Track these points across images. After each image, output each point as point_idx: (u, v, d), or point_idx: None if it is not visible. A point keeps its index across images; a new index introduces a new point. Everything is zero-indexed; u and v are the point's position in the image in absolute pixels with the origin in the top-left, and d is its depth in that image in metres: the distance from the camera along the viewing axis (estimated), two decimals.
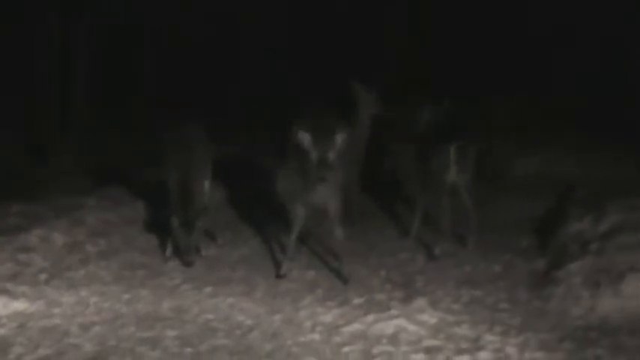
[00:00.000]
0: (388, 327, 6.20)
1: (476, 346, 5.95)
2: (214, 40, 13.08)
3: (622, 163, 10.20)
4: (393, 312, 6.46)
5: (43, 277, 7.23)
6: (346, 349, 5.96)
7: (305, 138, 6.71)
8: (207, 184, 7.86)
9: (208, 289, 7.08)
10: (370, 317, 6.39)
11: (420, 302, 6.68)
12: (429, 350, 5.89)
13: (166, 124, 8.14)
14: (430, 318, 6.35)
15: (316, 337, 6.16)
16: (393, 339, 6.08)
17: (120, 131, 11.81)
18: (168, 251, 7.72)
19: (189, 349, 5.97)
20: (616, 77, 11.94)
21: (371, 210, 9.07)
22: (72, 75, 11.49)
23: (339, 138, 6.74)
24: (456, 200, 7.79)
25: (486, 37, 12.57)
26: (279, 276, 7.30)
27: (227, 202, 9.26)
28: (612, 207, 7.64)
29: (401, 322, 6.27)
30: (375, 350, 5.92)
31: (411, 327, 6.20)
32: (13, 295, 6.71)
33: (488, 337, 6.07)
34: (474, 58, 12.52)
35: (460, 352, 5.87)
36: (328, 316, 6.46)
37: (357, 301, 6.79)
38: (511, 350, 5.88)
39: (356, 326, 6.26)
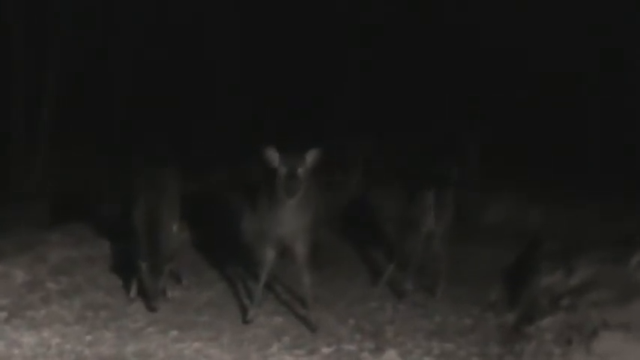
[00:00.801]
0: None
1: None
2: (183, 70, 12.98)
3: (586, 212, 10.08)
4: None
5: (2, 315, 7.08)
6: None
7: (273, 156, 6.61)
8: (176, 226, 7.71)
9: (174, 333, 6.95)
10: None
11: (391, 354, 6.59)
12: None
13: (135, 148, 8.02)
14: None
15: None
16: None
17: (87, 153, 11.63)
18: (133, 292, 7.58)
19: None
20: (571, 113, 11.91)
21: (339, 254, 9.02)
22: (40, 99, 11.37)
23: (310, 155, 6.63)
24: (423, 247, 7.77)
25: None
26: (245, 322, 7.19)
27: (193, 241, 9.12)
28: (582, 260, 7.60)
29: None
30: None
31: None
32: None
33: None
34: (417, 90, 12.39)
35: None
36: None
37: (325, 350, 6.70)
38: None
39: None
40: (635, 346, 6.22)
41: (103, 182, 10.09)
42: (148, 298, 7.31)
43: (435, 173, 7.78)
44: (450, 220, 7.73)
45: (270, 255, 7.10)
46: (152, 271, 7.19)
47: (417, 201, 7.63)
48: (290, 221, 6.81)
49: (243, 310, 7.38)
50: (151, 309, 7.29)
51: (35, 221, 9.19)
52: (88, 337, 6.78)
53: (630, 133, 11.47)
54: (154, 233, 7.26)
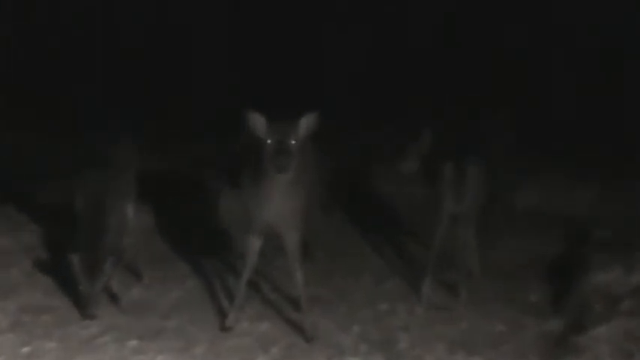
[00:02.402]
0: None
1: None
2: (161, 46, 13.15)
3: None
4: None
5: None
6: None
7: (259, 122, 6.52)
8: (131, 209, 7.71)
9: (133, 343, 6.85)
10: None
11: None
12: None
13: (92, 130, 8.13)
14: None
15: None
16: None
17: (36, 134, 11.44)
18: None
19: None
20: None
21: (341, 244, 8.92)
22: None
23: (305, 122, 6.56)
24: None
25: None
26: (224, 328, 7.10)
27: (157, 229, 8.94)
28: None
29: None
30: None
31: None
32: None
33: None
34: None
35: None
36: None
37: None
38: None
39: None
40: None
41: (50, 161, 9.97)
42: (83, 302, 7.19)
43: (460, 141, 7.79)
44: (478, 201, 7.71)
45: (254, 245, 7.06)
46: (88, 265, 7.09)
47: (436, 177, 7.62)
48: (279, 203, 6.80)
49: (221, 314, 7.31)
50: (87, 316, 7.19)
51: None
52: (26, 349, 6.69)
53: None
54: (99, 218, 7.25)
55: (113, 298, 7.42)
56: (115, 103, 11.76)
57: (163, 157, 10.08)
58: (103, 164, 7.52)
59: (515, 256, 8.69)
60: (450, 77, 12.11)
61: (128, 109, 10.66)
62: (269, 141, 6.49)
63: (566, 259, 8.49)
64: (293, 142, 6.49)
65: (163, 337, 7.00)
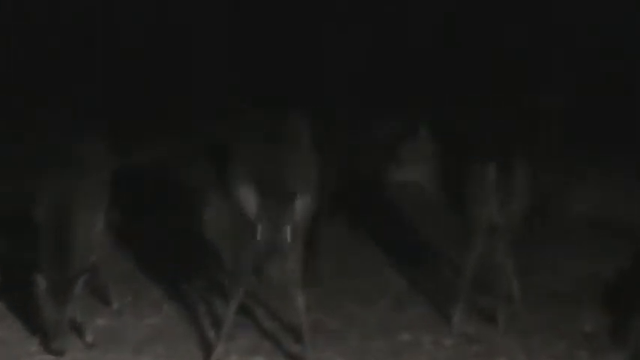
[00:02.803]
0: None
1: None
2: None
3: None
4: None
5: None
6: None
7: (247, 199, 6.35)
8: (101, 221, 7.28)
9: None
10: None
11: None
12: None
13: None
14: None
15: None
16: None
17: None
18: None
19: None
20: None
21: (350, 260, 8.49)
22: None
23: (301, 203, 6.38)
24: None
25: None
26: None
27: (130, 243, 8.55)
28: None
29: None
30: None
31: None
32: None
33: None
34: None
35: None
36: None
37: None
38: None
39: None
40: None
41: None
42: (49, 335, 6.84)
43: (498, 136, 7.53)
44: (521, 209, 7.35)
45: (245, 263, 6.64)
46: (56, 288, 6.71)
47: (467, 181, 7.39)
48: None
49: (206, 347, 6.95)
50: (56, 352, 6.81)
51: None
52: None
53: None
54: (63, 232, 6.86)
55: (76, 328, 7.06)
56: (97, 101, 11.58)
57: (143, 154, 9.85)
58: (70, 165, 7.20)
59: (564, 276, 8.35)
60: (450, 77, 12.11)
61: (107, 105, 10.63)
62: (260, 226, 6.32)
63: (625, 279, 8.13)
64: (288, 227, 6.34)
65: None
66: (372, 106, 11.79)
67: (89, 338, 7.04)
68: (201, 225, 7.41)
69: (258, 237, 6.42)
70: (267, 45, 12.78)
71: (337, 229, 8.74)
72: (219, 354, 6.74)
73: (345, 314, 7.55)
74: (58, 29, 12.99)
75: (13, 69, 12.29)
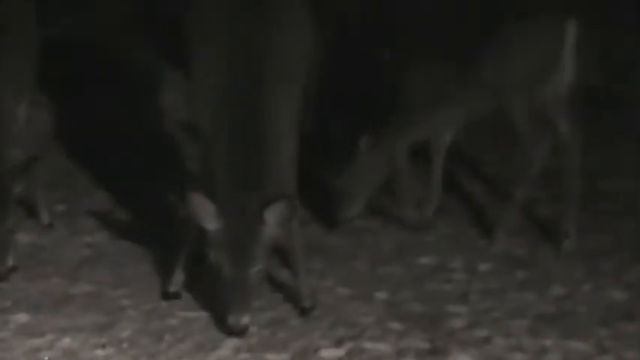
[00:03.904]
0: None
1: None
2: None
3: None
4: None
5: None
6: None
7: (209, 218, 5.34)
8: (23, 110, 6.25)
9: (21, 318, 5.49)
10: None
11: None
12: None
13: None
14: None
15: None
16: None
17: None
18: None
19: None
20: None
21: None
22: None
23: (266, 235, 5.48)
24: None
25: None
26: (167, 295, 5.75)
27: (63, 144, 7.55)
28: None
29: None
30: None
31: None
32: None
33: None
34: None
35: None
36: None
37: None
38: None
39: None
40: None
41: None
42: None
43: None
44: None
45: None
46: None
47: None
48: None
49: (162, 274, 5.89)
50: None
51: None
52: None
53: None
54: None
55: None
56: None
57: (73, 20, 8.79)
58: None
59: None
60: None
61: None
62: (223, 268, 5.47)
63: None
64: (254, 271, 5.49)
65: (68, 308, 5.65)
66: None
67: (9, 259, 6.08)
68: (156, 116, 6.52)
69: None
70: None
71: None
72: (176, 283, 5.66)
73: (351, 231, 6.38)
74: None
75: None
